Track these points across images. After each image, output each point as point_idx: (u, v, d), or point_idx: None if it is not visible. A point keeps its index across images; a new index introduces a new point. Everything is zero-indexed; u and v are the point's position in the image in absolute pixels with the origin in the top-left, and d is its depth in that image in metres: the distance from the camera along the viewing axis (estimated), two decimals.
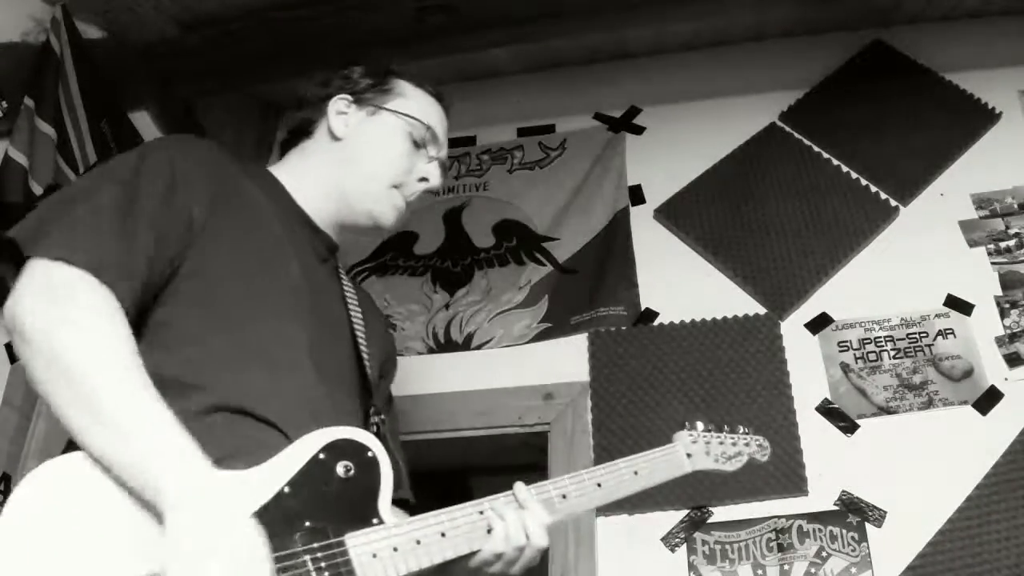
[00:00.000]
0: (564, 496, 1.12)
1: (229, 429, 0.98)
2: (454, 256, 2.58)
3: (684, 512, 2.04)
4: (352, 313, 1.29)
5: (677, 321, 2.30)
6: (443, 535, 1.00)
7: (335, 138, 1.30)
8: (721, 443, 1.36)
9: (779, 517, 1.98)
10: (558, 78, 2.77)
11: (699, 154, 2.55)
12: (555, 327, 2.39)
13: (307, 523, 0.92)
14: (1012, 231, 2.22)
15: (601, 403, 2.22)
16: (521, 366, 2.34)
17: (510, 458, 2.44)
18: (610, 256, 2.44)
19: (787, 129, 2.55)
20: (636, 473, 1.22)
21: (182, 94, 2.58)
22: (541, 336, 2.39)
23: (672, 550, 2.00)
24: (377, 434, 1.14)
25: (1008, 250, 2.20)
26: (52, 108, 2.02)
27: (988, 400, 2.01)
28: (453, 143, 2.75)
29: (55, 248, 0.95)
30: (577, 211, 2.56)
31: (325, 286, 1.27)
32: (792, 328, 2.23)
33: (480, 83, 2.79)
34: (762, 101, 2.59)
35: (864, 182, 2.39)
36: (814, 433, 2.07)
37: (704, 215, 2.45)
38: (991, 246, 2.22)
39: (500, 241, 2.58)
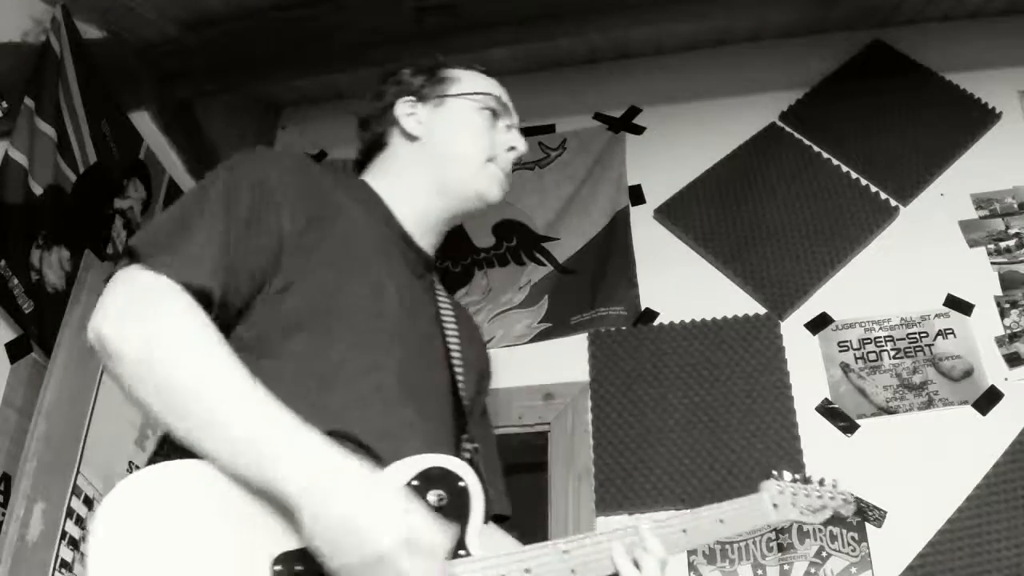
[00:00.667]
0: (684, 531, 1.14)
1: None
2: (454, 256, 2.58)
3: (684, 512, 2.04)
4: (447, 332, 1.27)
5: (677, 321, 2.30)
6: (527, 571, 0.98)
7: (413, 138, 1.28)
8: (807, 495, 1.35)
9: None
10: (558, 78, 2.77)
11: (699, 154, 2.55)
12: (555, 327, 2.39)
13: None
14: (1012, 231, 2.22)
15: (601, 403, 2.22)
16: (521, 366, 2.34)
17: (510, 458, 2.43)
18: (610, 256, 2.44)
19: (787, 129, 2.55)
20: (722, 521, 1.21)
21: (182, 94, 2.58)
22: (541, 336, 2.39)
23: None
24: (470, 462, 1.11)
25: (1008, 250, 2.20)
26: (52, 108, 2.01)
27: (988, 400, 2.01)
28: None
29: (139, 259, 0.94)
30: (577, 211, 2.56)
31: (420, 305, 1.23)
32: (792, 328, 2.23)
33: None
34: (762, 101, 2.59)
35: (864, 182, 2.39)
36: (814, 433, 2.07)
37: (704, 215, 2.45)
38: (991, 246, 2.22)
39: (500, 241, 2.58)
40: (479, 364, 1.36)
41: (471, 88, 1.32)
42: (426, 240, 1.27)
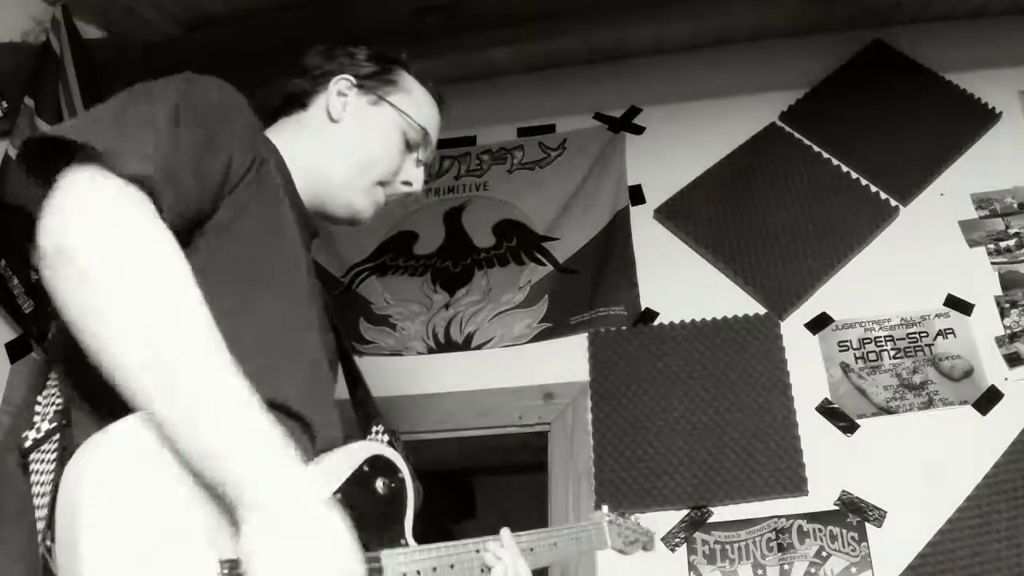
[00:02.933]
0: (531, 550, 1.17)
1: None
2: (454, 256, 2.58)
3: (684, 512, 2.04)
4: (327, 301, 1.24)
5: (677, 321, 2.30)
6: (452, 567, 1.02)
7: (331, 119, 1.22)
8: (626, 528, 1.49)
9: (779, 517, 1.98)
10: (558, 78, 2.77)
11: (699, 154, 2.55)
12: (555, 327, 2.39)
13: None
14: (1012, 231, 2.22)
15: (601, 403, 2.22)
16: (521, 366, 2.34)
17: (510, 458, 2.44)
18: (610, 256, 2.44)
19: (787, 129, 2.55)
20: (555, 545, 1.26)
21: None
22: (541, 336, 2.39)
23: (672, 550, 2.00)
24: (391, 446, 1.12)
25: (1008, 250, 2.20)
26: (52, 108, 2.01)
27: (988, 400, 2.01)
28: (453, 143, 2.79)
29: (113, 158, 0.82)
30: (577, 211, 2.56)
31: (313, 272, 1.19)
32: (792, 328, 2.23)
33: (480, 83, 2.78)
34: (762, 101, 2.59)
35: (864, 182, 2.39)
36: (814, 433, 2.07)
37: (704, 215, 2.45)
38: (991, 246, 2.22)
39: (500, 241, 2.58)
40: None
41: (411, 109, 1.26)
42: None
